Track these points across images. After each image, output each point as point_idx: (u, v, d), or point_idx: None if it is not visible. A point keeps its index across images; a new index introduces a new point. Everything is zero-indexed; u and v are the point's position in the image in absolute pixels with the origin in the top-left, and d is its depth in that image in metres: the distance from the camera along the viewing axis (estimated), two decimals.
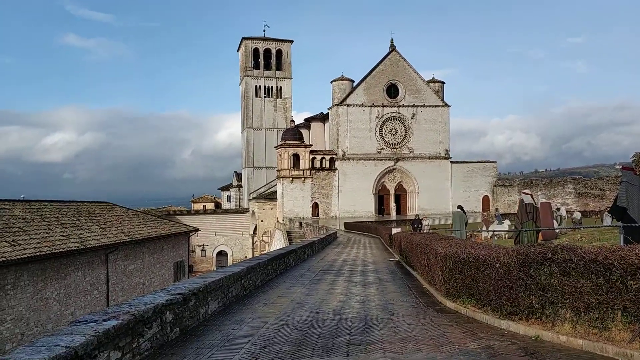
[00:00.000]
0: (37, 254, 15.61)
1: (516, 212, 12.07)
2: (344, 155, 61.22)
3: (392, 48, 63.50)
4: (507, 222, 21.98)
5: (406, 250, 12.76)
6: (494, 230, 18.37)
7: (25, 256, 15.00)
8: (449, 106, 65.28)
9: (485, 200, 65.63)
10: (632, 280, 4.12)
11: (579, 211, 29.59)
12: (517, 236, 11.47)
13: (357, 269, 12.62)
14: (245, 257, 65.78)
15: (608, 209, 29.93)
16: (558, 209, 22.16)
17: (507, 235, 19.35)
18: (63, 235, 18.55)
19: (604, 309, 4.40)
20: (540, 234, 11.57)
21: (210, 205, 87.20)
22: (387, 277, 10.84)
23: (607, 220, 26.39)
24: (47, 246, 16.63)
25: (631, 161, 15.64)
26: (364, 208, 60.71)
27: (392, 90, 63.22)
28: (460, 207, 17.23)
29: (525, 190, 12.04)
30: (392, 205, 62.80)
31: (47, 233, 18.02)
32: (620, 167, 8.94)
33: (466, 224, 16.80)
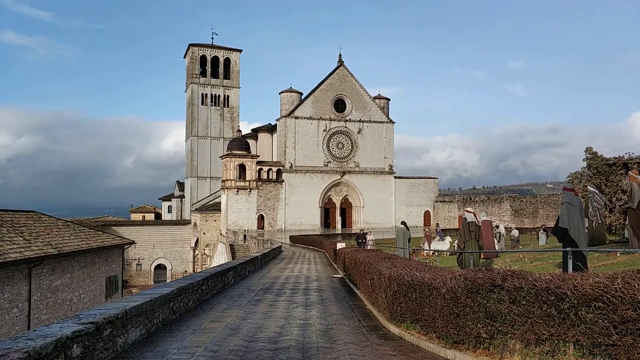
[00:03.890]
0: None
1: (459, 230, 12.03)
2: (291, 167, 60.82)
3: (340, 63, 64.23)
4: (448, 239, 22.25)
5: (350, 268, 12.41)
6: (436, 250, 18.43)
7: None
8: (393, 122, 66.68)
9: (427, 215, 67.22)
10: (586, 311, 3.89)
11: (516, 228, 30.61)
12: (459, 255, 11.40)
13: (300, 287, 12.11)
14: (186, 271, 63.42)
15: (544, 227, 31.27)
16: (497, 227, 22.70)
17: (447, 253, 19.52)
18: None
19: (556, 341, 4.15)
20: (482, 253, 11.57)
21: (150, 216, 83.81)
22: (330, 297, 10.39)
23: (542, 237, 27.46)
24: None
25: (567, 181, 16.17)
26: (310, 221, 60.43)
27: (339, 105, 63.81)
28: (403, 222, 17.18)
29: (468, 209, 12.05)
30: (338, 218, 62.97)
31: None
32: (562, 187, 9.02)
33: (409, 240, 16.75)
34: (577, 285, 4.00)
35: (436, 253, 16.92)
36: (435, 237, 25.11)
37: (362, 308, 8.90)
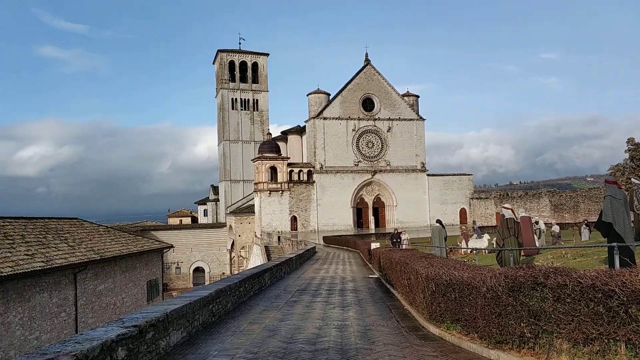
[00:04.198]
0: None
1: (497, 227, 11.76)
2: (321, 168, 60.91)
3: (367, 62, 63.93)
4: (486, 236, 21.76)
5: (385, 268, 12.31)
6: (474, 248, 18.07)
7: None
8: (423, 119, 65.84)
9: (463, 212, 66.01)
10: (637, 309, 3.73)
11: (557, 224, 29.68)
12: (499, 253, 11.13)
13: (336, 288, 12.10)
14: (223, 273, 64.45)
15: (586, 221, 30.19)
16: (537, 223, 22.07)
17: (486, 250, 19.11)
18: (27, 255, 17.53)
19: (605, 341, 3.99)
20: (522, 251, 11.27)
21: (187, 220, 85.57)
22: (366, 297, 10.34)
23: (585, 233, 26.53)
24: (10, 266, 15.64)
25: (609, 174, 15.60)
26: (343, 221, 60.33)
27: (367, 104, 63.50)
28: (439, 221, 16.92)
29: (506, 205, 11.76)
30: (371, 218, 62.60)
31: (9, 252, 17.00)
32: (604, 180, 8.69)
33: (445, 238, 16.49)
34: (625, 282, 3.84)
35: (474, 251, 16.59)
36: (472, 235, 24.63)
37: (399, 308, 8.81)
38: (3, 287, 15.28)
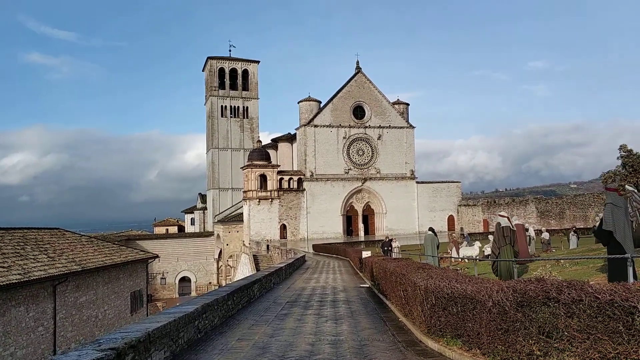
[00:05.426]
0: None
1: (493, 235, 11.48)
2: (312, 175, 60.56)
3: (358, 70, 63.96)
4: (477, 244, 21.51)
5: (379, 278, 11.95)
6: (465, 257, 17.79)
7: None
8: (413, 127, 65.98)
9: (451, 219, 66.08)
10: None
11: (546, 231, 29.63)
12: (494, 262, 10.84)
13: (327, 299, 11.70)
14: (210, 282, 63.49)
15: (574, 228, 30.19)
16: (527, 230, 21.91)
17: (478, 258, 18.86)
18: (3, 267, 16.83)
19: None
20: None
21: (173, 229, 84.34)
22: (359, 309, 9.96)
23: (573, 240, 26.47)
24: None
25: (601, 181, 15.45)
26: (333, 229, 59.92)
27: (358, 111, 63.43)
28: (431, 229, 16.63)
29: (502, 213, 11.50)
30: (361, 225, 62.30)
31: None
32: (604, 188, 8.45)
33: (438, 246, 16.19)
34: None
35: (467, 259, 16.31)
36: (462, 243, 24.38)
37: (394, 321, 8.45)
38: None
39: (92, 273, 22.02)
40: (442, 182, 68.82)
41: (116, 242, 34.27)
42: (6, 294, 15.96)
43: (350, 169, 62.44)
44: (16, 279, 16.19)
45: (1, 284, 15.31)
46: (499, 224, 10.84)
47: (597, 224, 8.46)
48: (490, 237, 24.54)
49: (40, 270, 18.13)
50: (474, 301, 5.35)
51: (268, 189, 58.24)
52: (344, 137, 62.26)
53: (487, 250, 19.80)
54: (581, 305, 4.03)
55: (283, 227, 58.84)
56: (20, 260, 18.32)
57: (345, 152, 62.36)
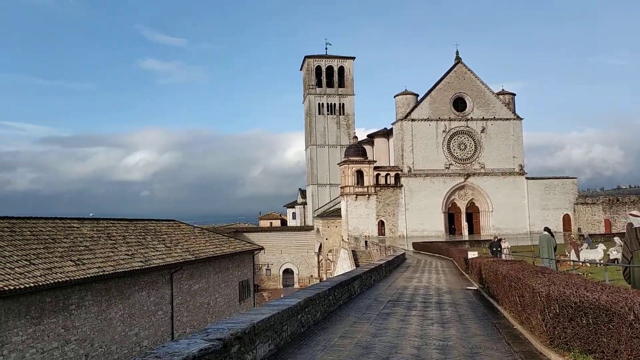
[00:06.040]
0: (101, 273, 15.55)
1: (624, 238, 10.12)
2: (409, 171, 59.28)
3: (458, 60, 61.27)
4: (601, 246, 19.29)
5: (488, 281, 11.17)
6: (588, 261, 16.08)
7: (89, 276, 14.94)
8: (521, 119, 61.70)
9: (567, 219, 60.78)
10: None
11: None
12: (626, 269, 9.55)
13: (432, 300, 11.20)
14: (312, 276, 65.10)
15: None
16: None
17: (602, 263, 16.96)
18: (127, 255, 18.56)
19: None
20: None
21: (277, 223, 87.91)
22: (467, 313, 9.36)
23: None
24: (111, 265, 16.60)
25: None
26: (433, 227, 58.09)
27: (459, 104, 60.77)
28: (547, 229, 15.23)
29: (634, 212, 10.07)
30: (464, 224, 59.65)
31: (112, 252, 18.09)
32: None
33: (555, 248, 14.81)
34: None
35: (587, 264, 14.73)
36: (582, 245, 22.15)
37: (508, 328, 7.78)
38: (106, 284, 16.21)
39: (204, 262, 23.51)
40: (556, 178, 63.55)
41: (225, 234, 36.34)
42: (130, 279, 17.56)
43: (451, 164, 60.10)
44: (139, 266, 17.76)
45: (126, 269, 16.87)
46: (630, 224, 9.50)
47: None
48: (616, 240, 22.04)
49: (159, 259, 19.72)
50: (609, 313, 4.65)
51: (365, 184, 58.09)
52: (443, 131, 60.06)
53: (613, 254, 17.77)
54: None
55: (381, 224, 58.34)
56: (142, 249, 20.07)
57: (446, 146, 60.11)
